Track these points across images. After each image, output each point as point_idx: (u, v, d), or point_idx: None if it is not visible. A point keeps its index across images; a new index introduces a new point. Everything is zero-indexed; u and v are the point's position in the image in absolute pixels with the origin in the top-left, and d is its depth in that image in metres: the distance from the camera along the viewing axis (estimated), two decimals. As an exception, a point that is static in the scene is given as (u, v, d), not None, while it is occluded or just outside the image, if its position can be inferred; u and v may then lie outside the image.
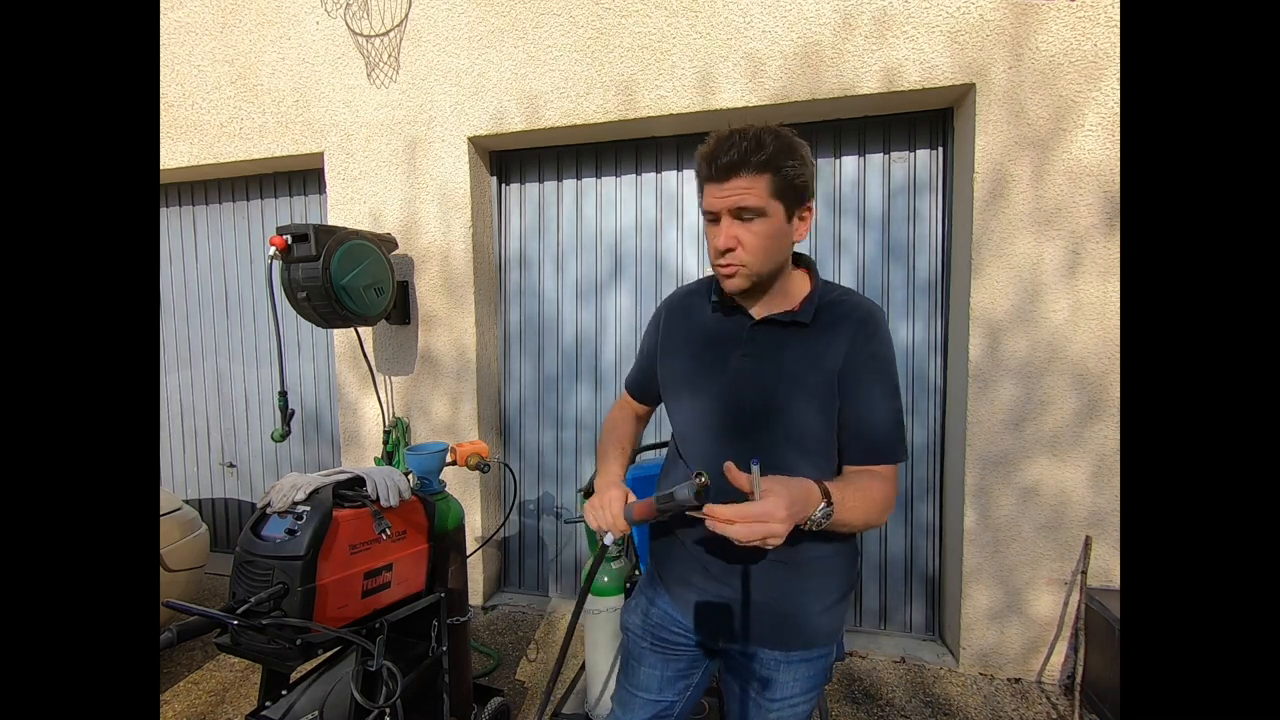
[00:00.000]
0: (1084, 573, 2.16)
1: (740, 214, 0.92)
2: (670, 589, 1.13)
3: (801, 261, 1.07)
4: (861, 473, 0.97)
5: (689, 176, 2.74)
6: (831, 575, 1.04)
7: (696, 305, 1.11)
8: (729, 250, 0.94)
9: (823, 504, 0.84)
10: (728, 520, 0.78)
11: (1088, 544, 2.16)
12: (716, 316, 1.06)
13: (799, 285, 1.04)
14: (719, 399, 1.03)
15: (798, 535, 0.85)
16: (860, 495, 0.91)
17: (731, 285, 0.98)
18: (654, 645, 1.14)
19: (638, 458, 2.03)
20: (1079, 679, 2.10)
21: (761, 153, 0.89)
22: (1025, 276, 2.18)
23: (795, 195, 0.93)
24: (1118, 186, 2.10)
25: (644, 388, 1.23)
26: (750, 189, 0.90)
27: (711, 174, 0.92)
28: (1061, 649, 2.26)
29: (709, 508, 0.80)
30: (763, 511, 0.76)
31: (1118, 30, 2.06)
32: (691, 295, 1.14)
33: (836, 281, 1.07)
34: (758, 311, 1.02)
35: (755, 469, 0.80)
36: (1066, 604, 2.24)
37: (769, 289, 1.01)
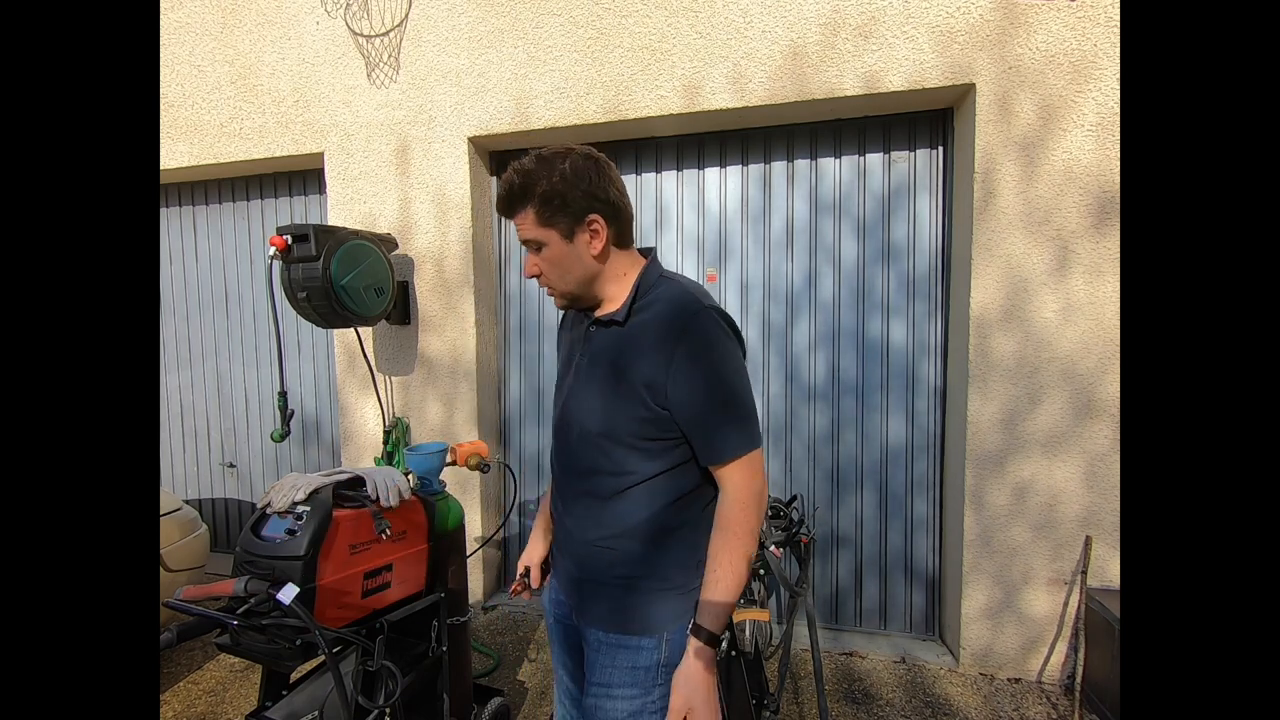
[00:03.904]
0: (1084, 573, 2.16)
1: (530, 246, 1.01)
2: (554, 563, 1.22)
3: (642, 259, 1.07)
4: (715, 533, 0.98)
5: (688, 178, 2.74)
6: (655, 556, 1.03)
7: (575, 314, 1.16)
8: (536, 278, 1.04)
9: (715, 644, 0.94)
10: None
11: (1088, 544, 2.16)
12: (581, 323, 1.12)
13: (627, 287, 1.04)
14: (563, 396, 1.11)
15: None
16: (719, 566, 0.95)
17: (556, 304, 1.09)
18: (555, 620, 1.20)
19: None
20: (1079, 679, 2.10)
21: (513, 191, 0.97)
22: (1022, 277, 2.19)
23: (565, 217, 0.96)
24: (1114, 186, 2.10)
25: None
26: (522, 225, 0.99)
27: (501, 214, 1.03)
28: (1061, 649, 2.27)
29: None
30: None
31: (1116, 30, 2.06)
32: None
33: (673, 277, 1.04)
34: (596, 315, 1.07)
35: None
36: (1066, 604, 2.24)
37: (601, 296, 1.05)
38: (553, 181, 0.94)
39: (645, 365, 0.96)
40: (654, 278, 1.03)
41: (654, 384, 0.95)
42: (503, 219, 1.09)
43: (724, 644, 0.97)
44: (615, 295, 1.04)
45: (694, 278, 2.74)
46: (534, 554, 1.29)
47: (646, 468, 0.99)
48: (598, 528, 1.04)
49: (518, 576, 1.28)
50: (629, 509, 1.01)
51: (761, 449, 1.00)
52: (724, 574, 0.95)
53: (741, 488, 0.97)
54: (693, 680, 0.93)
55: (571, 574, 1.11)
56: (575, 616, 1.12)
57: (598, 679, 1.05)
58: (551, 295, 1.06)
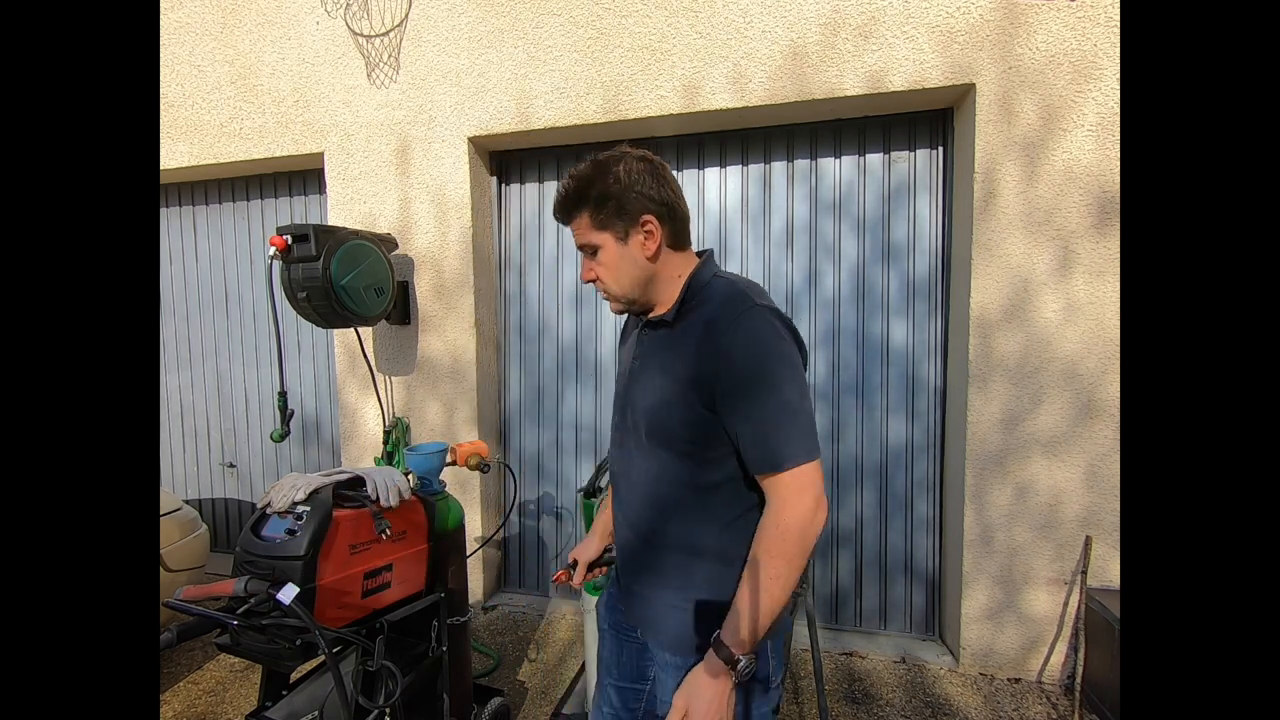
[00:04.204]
0: (1084, 573, 2.16)
1: (585, 250, 1.02)
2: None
3: (696, 260, 1.05)
4: (752, 546, 0.91)
5: (688, 178, 2.74)
6: (715, 578, 0.98)
7: (632, 320, 1.16)
8: (592, 283, 1.04)
9: (732, 664, 0.87)
10: None
11: (1088, 544, 2.16)
12: (635, 327, 1.12)
13: (680, 288, 1.02)
14: (618, 400, 1.11)
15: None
16: (757, 590, 0.88)
17: (612, 309, 1.07)
18: (610, 627, 1.18)
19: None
20: (1079, 679, 2.10)
21: (569, 196, 0.98)
22: (1023, 277, 2.19)
23: (619, 219, 0.96)
24: (1115, 187, 2.10)
25: None
26: (578, 230, 1.01)
27: (559, 220, 1.04)
28: (1061, 649, 2.27)
29: None
30: None
31: (1116, 30, 2.06)
32: None
33: (726, 277, 1.01)
34: (648, 318, 1.06)
35: None
36: (1066, 604, 2.24)
37: (656, 300, 1.04)
38: (607, 184, 0.95)
39: (691, 365, 0.93)
40: (706, 277, 1.00)
41: (701, 384, 0.91)
42: (551, 225, 1.06)
43: (745, 668, 0.87)
44: (669, 297, 1.02)
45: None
46: (586, 551, 1.27)
47: (704, 478, 0.95)
48: (654, 542, 1.02)
49: (567, 565, 1.28)
50: (686, 523, 0.98)
51: (819, 463, 0.90)
52: (748, 593, 0.88)
53: (790, 503, 0.88)
54: (694, 685, 0.89)
55: (630, 588, 1.08)
56: (641, 634, 1.10)
57: (663, 695, 1.02)
58: (608, 299, 1.05)
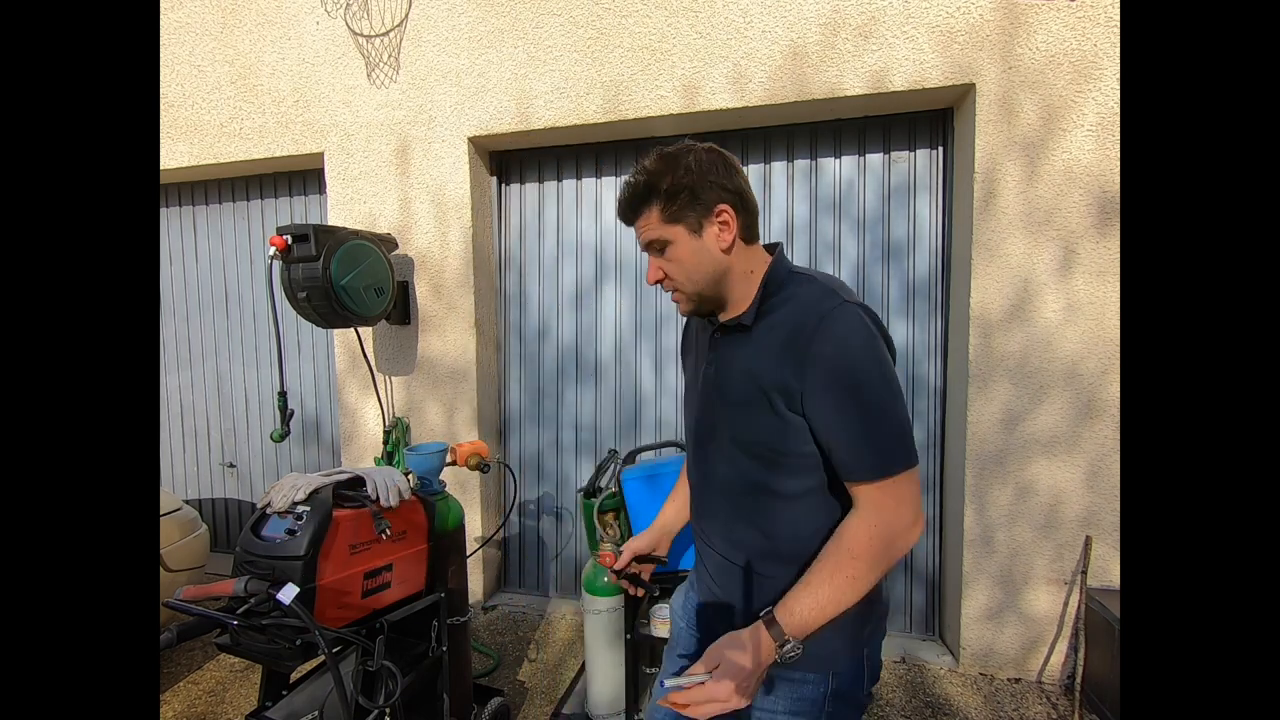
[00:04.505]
0: (1084, 573, 2.16)
1: (653, 249, 0.96)
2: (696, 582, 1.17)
3: (768, 256, 1.01)
4: (833, 538, 0.88)
5: (689, 177, 2.74)
6: (775, 589, 0.94)
7: (699, 321, 1.11)
8: (659, 282, 0.98)
9: (779, 644, 0.84)
10: (683, 705, 0.83)
11: (1088, 544, 2.16)
12: (705, 330, 1.07)
13: (754, 286, 0.98)
14: (692, 408, 1.07)
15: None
16: (828, 581, 0.85)
17: (681, 310, 1.02)
18: (686, 626, 1.16)
19: (638, 457, 2.03)
20: (1079, 679, 2.10)
21: (638, 191, 0.93)
22: (1023, 277, 2.19)
23: (692, 210, 0.91)
24: (1115, 187, 2.10)
25: None
26: (646, 226, 0.94)
27: (622, 220, 0.99)
28: (1061, 649, 2.27)
29: (673, 695, 0.85)
30: (710, 693, 0.82)
31: (1116, 30, 2.06)
32: None
33: (806, 272, 0.97)
34: (721, 320, 1.02)
35: (676, 682, 0.86)
36: (1066, 604, 2.24)
37: (728, 298, 0.98)
38: (678, 176, 0.89)
39: (776, 368, 0.88)
40: (783, 274, 0.95)
41: (788, 390, 0.87)
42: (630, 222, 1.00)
43: (791, 651, 0.84)
44: (742, 296, 0.97)
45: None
46: (639, 541, 1.23)
47: (789, 485, 0.92)
48: (738, 548, 1.00)
49: (618, 550, 1.23)
50: (772, 531, 0.95)
51: (916, 471, 0.86)
52: (821, 585, 0.84)
53: (886, 511, 0.84)
54: (733, 645, 0.85)
55: (715, 594, 1.05)
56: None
57: (763, 704, 0.97)
58: (677, 300, 1.00)
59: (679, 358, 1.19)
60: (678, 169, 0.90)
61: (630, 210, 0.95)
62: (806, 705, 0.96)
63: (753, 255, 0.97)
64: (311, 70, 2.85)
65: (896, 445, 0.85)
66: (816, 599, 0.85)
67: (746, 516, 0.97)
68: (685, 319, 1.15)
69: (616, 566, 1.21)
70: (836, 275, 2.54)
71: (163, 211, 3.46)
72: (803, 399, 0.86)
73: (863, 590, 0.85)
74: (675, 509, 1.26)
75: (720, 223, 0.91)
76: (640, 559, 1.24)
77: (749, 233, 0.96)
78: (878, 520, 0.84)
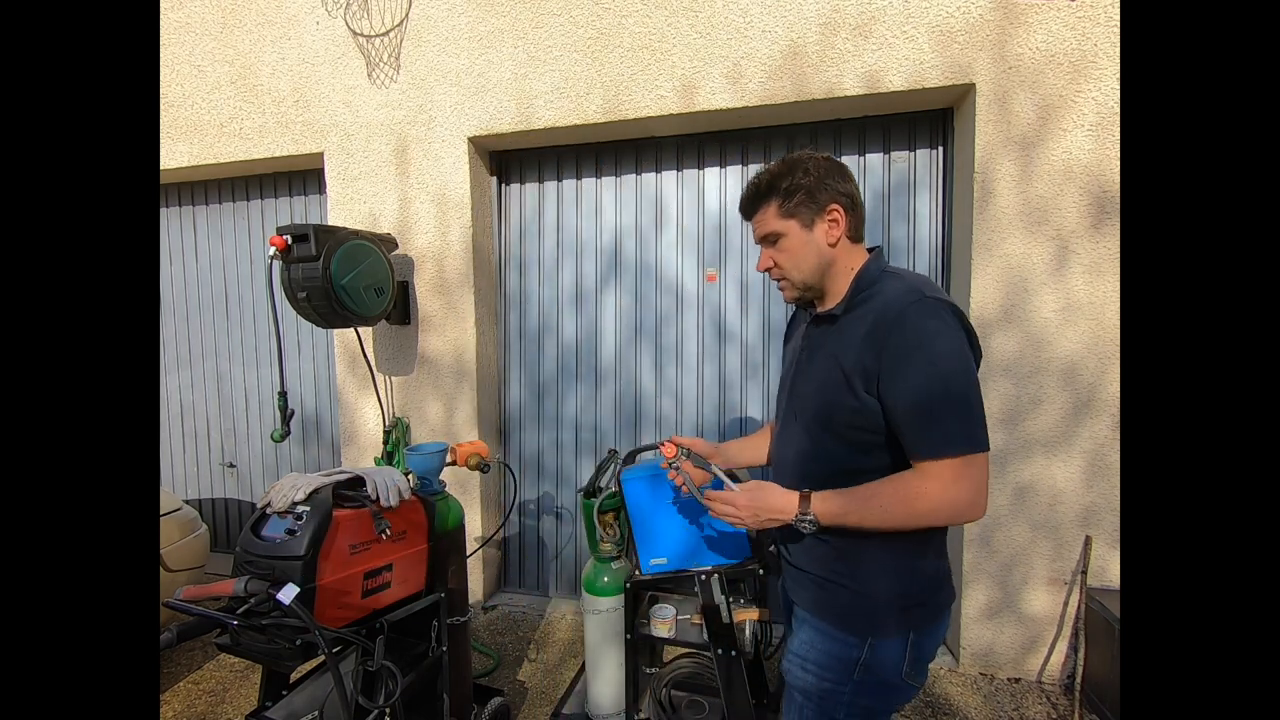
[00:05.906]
0: (1084, 572, 2.16)
1: (767, 241, 1.09)
2: None
3: (866, 255, 1.11)
4: (897, 477, 0.98)
5: (688, 178, 2.74)
6: (859, 560, 1.05)
7: (800, 314, 1.25)
8: (768, 271, 1.12)
9: (799, 514, 1.00)
10: (708, 500, 1.11)
11: (1088, 544, 2.16)
12: (804, 320, 1.20)
13: (849, 281, 1.08)
14: (784, 390, 1.19)
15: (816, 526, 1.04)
16: (872, 501, 0.96)
17: (786, 298, 1.15)
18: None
19: (638, 457, 2.03)
20: (1079, 679, 2.10)
21: (759, 190, 1.07)
22: (1022, 276, 2.19)
23: (806, 207, 1.03)
24: (1113, 185, 2.10)
25: None
26: (763, 220, 1.08)
27: (743, 215, 1.13)
28: (1061, 649, 2.26)
29: (709, 492, 1.13)
30: (727, 498, 1.09)
31: (1116, 30, 2.06)
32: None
33: (896, 271, 1.07)
34: (817, 310, 1.13)
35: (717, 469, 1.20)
36: (1066, 604, 2.24)
37: (829, 290, 1.09)
38: (797, 178, 1.02)
39: (857, 352, 0.98)
40: (875, 272, 1.06)
41: (867, 372, 0.96)
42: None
43: (807, 524, 1.00)
44: (840, 290, 1.08)
45: (693, 278, 2.76)
46: (702, 444, 1.29)
47: (863, 462, 1.01)
48: None
49: (678, 445, 1.25)
50: None
51: (985, 455, 0.94)
52: (866, 502, 0.96)
53: (943, 482, 0.92)
54: (764, 489, 1.05)
55: (785, 556, 1.18)
56: (790, 594, 1.20)
57: (796, 649, 1.11)
58: (784, 290, 1.13)
59: (782, 345, 1.34)
60: (796, 172, 1.03)
61: (751, 205, 1.09)
62: (836, 664, 1.04)
63: (855, 253, 1.08)
64: (311, 70, 2.85)
65: (959, 428, 0.92)
66: (845, 504, 0.98)
67: (811, 486, 1.06)
68: (790, 311, 1.34)
69: (669, 455, 1.24)
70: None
71: (163, 211, 3.46)
72: (879, 381, 0.95)
73: (886, 525, 0.96)
74: (742, 445, 1.38)
75: (830, 220, 1.04)
76: (696, 462, 1.26)
77: (855, 232, 1.07)
78: (928, 488, 0.93)
